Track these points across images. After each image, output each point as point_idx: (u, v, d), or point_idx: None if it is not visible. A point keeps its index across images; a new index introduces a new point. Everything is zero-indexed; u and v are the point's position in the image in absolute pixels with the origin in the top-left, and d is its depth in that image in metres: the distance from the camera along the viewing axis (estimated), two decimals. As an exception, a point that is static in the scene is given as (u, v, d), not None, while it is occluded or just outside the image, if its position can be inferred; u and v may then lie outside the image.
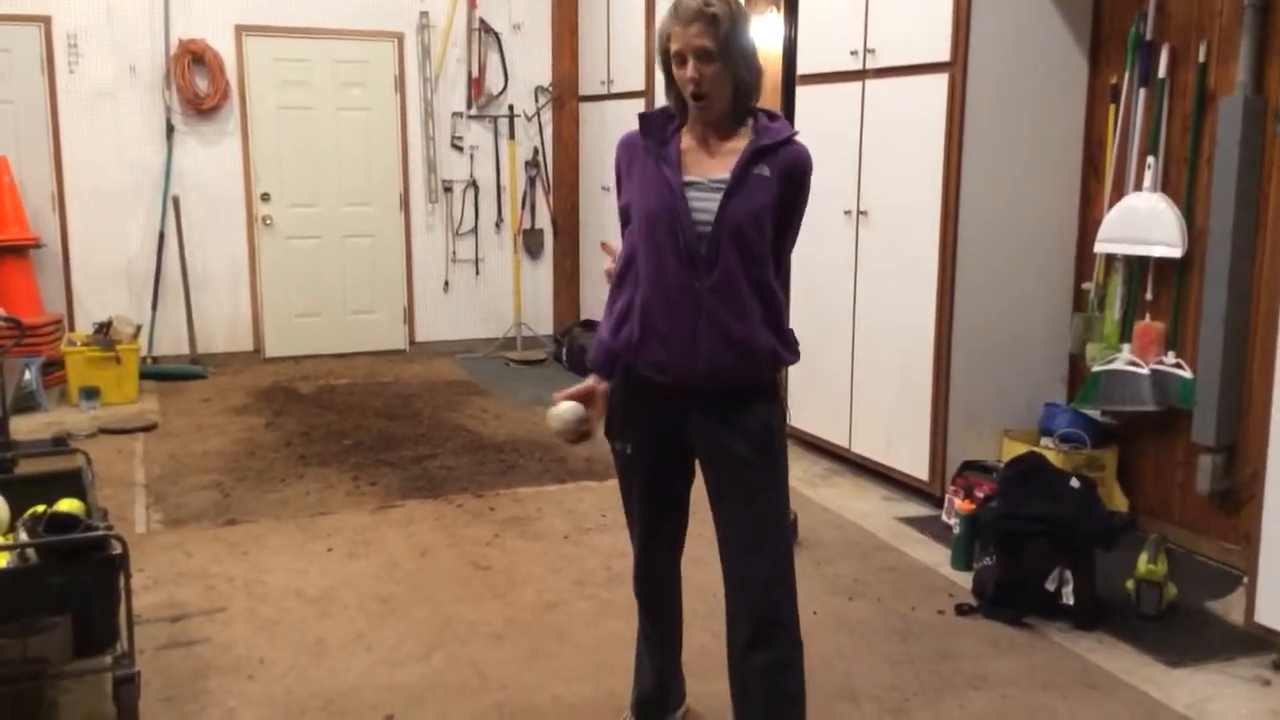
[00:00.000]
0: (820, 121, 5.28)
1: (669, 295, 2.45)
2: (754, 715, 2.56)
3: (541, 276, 8.65)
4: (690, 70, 2.37)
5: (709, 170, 2.46)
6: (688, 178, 2.46)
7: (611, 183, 7.25)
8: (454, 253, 8.36)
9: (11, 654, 2.74)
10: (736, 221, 2.41)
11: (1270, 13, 3.97)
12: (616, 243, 2.68)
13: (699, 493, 2.64)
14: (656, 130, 2.53)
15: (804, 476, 5.30)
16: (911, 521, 4.70)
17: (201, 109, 7.48)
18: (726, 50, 2.36)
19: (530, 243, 8.56)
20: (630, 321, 2.53)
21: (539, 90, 8.40)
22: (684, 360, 2.46)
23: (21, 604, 2.74)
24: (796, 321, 6.00)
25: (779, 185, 2.44)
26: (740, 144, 2.46)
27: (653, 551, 2.77)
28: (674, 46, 2.39)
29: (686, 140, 2.51)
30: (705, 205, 2.43)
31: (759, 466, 2.50)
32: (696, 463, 2.65)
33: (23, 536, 2.98)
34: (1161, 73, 4.36)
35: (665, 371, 2.50)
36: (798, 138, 2.48)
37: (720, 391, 2.50)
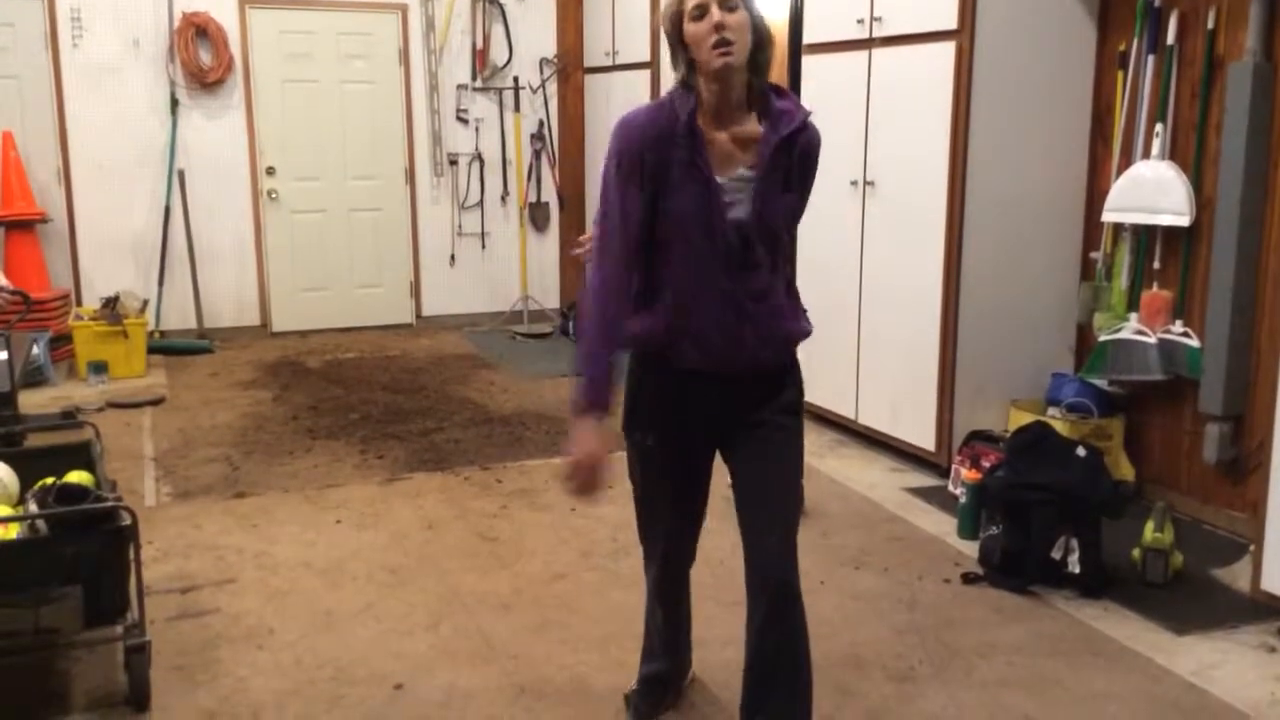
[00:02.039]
0: (827, 91, 5.25)
1: (706, 298, 2.39)
2: (765, 682, 2.57)
3: (547, 250, 8.64)
4: (716, 15, 2.24)
5: (734, 165, 2.37)
6: (721, 177, 2.36)
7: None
8: (460, 226, 8.35)
9: (23, 624, 2.77)
10: (771, 223, 2.39)
11: (1281, -22, 3.93)
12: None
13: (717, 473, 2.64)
14: (679, 120, 2.35)
15: (811, 448, 5.30)
16: (918, 492, 4.70)
17: (205, 82, 7.46)
18: (747, 4, 2.29)
19: (536, 216, 8.54)
20: (655, 316, 2.43)
21: (544, 62, 8.36)
22: (723, 360, 2.43)
23: (33, 574, 2.77)
24: (803, 292, 5.98)
25: (800, 172, 2.42)
26: (755, 129, 2.37)
27: (679, 548, 2.75)
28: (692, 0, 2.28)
29: (705, 127, 2.37)
30: (739, 206, 2.36)
31: (790, 430, 2.52)
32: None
33: (33, 508, 3.00)
34: (1170, 39, 4.33)
35: (702, 365, 2.44)
36: (810, 120, 2.42)
37: (755, 375, 2.49)
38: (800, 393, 2.57)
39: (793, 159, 2.38)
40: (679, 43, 2.35)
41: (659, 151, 2.34)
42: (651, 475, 2.65)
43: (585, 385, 2.40)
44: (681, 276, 2.40)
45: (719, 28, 2.25)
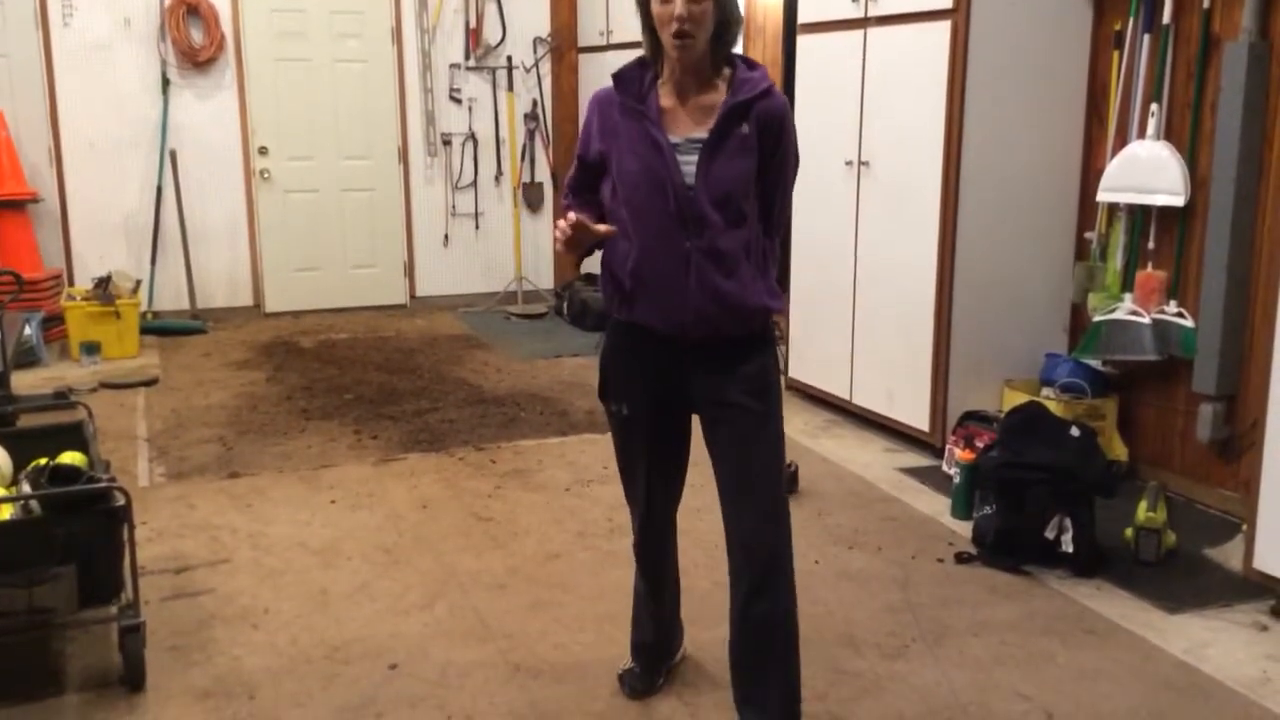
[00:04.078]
0: (822, 70, 5.23)
1: (658, 256, 2.44)
2: (751, 661, 2.61)
3: (542, 230, 8.62)
4: (679, 7, 2.30)
5: (689, 129, 2.43)
6: (672, 138, 2.42)
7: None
8: (453, 206, 8.33)
9: (17, 604, 2.76)
10: (719, 184, 2.40)
11: (1277, -44, 3.92)
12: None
13: (698, 448, 2.65)
14: (634, 86, 2.47)
15: (804, 428, 5.31)
16: (912, 472, 4.71)
17: (197, 61, 7.42)
18: None
19: (530, 196, 8.52)
20: (620, 274, 2.52)
21: (538, 41, 8.32)
22: (676, 317, 2.46)
23: (26, 555, 2.76)
24: (797, 272, 6.00)
25: (759, 141, 2.42)
26: (718, 98, 2.42)
27: (655, 513, 2.77)
28: None
29: (665, 95, 2.46)
30: (689, 167, 2.40)
31: (756, 412, 2.52)
32: (693, 419, 2.66)
33: (26, 489, 3.00)
34: (1166, 19, 4.31)
35: (658, 324, 2.50)
36: (775, 88, 2.44)
37: (717, 343, 2.50)
38: (774, 369, 2.58)
39: (750, 124, 2.40)
40: (646, 14, 2.42)
41: (611, 113, 2.49)
42: (627, 441, 2.70)
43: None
44: (638, 232, 2.46)
45: (680, 19, 2.30)
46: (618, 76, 2.50)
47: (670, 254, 2.43)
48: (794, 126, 2.50)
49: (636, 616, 2.97)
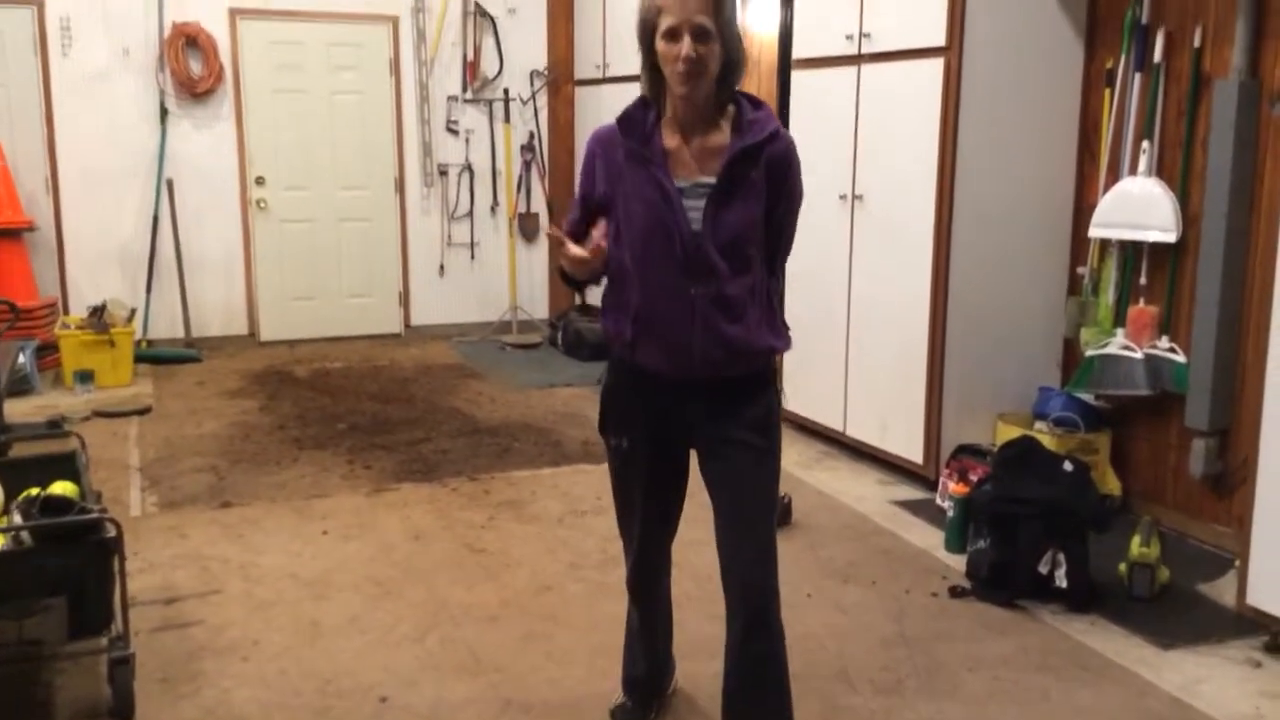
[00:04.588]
0: (816, 106, 5.27)
1: (663, 303, 2.41)
2: (747, 697, 2.59)
3: (537, 260, 8.64)
4: (686, 48, 2.26)
5: (695, 172, 2.39)
6: (678, 182, 2.38)
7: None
8: (449, 236, 8.35)
9: (7, 636, 2.75)
10: (727, 232, 2.37)
11: (1266, -4, 3.97)
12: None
13: (694, 481, 2.65)
14: (638, 128, 2.42)
15: (799, 460, 5.31)
16: (906, 504, 4.71)
17: (195, 92, 7.45)
18: (723, 30, 2.28)
19: (526, 226, 8.55)
20: (623, 318, 2.49)
21: (534, 74, 8.37)
22: (681, 361, 2.44)
23: (16, 586, 2.75)
24: (792, 305, 5.98)
25: (767, 184, 2.39)
26: (723, 138, 2.38)
27: (650, 548, 2.75)
28: (667, 22, 2.27)
29: (668, 136, 2.41)
30: (695, 214, 2.36)
31: (758, 449, 2.50)
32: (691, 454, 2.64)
33: (17, 519, 2.98)
34: (1157, 57, 4.36)
35: (663, 369, 2.48)
36: (782, 129, 2.42)
37: (721, 382, 2.48)
38: (773, 409, 2.56)
39: (759, 169, 2.37)
40: (648, 50, 2.37)
41: (618, 158, 2.43)
42: (625, 476, 2.67)
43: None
44: (643, 278, 2.42)
45: (688, 59, 2.27)
46: (622, 119, 2.45)
47: (676, 301, 2.40)
48: (799, 163, 2.47)
49: (629, 650, 2.95)
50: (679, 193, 2.37)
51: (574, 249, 2.36)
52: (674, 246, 2.37)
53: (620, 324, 2.49)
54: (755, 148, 2.36)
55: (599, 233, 2.41)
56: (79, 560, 2.81)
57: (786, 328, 2.56)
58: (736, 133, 2.37)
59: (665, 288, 2.40)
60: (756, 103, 2.44)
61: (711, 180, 2.36)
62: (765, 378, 2.54)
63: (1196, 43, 4.20)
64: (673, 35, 2.27)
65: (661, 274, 2.40)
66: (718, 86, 2.35)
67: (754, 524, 2.53)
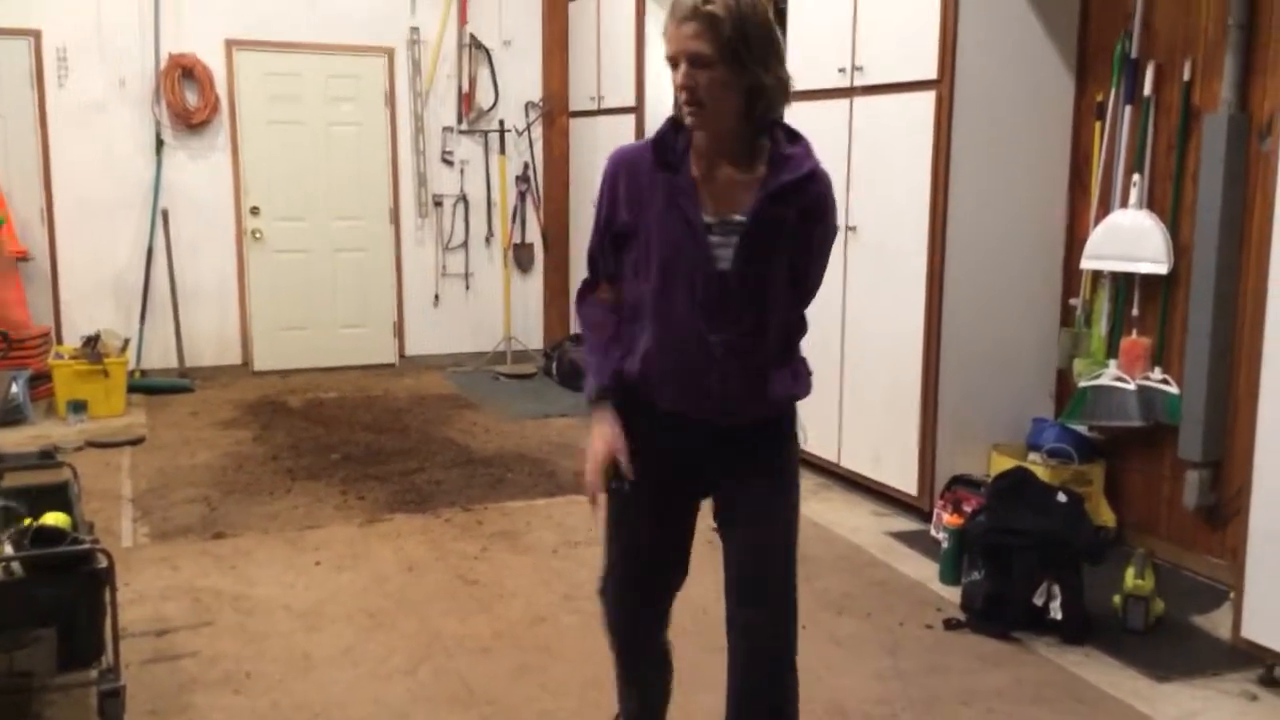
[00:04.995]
0: (808, 138, 5.29)
1: (680, 346, 2.25)
2: None
3: (531, 291, 8.66)
4: (681, 76, 2.10)
5: (725, 207, 2.20)
6: (705, 217, 2.19)
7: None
8: (444, 267, 8.36)
9: (-4, 668, 2.73)
10: (755, 277, 2.20)
11: (1254, 31, 4.01)
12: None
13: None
14: (669, 154, 2.23)
15: (793, 491, 5.30)
16: (900, 536, 4.70)
17: (191, 123, 7.48)
18: (734, 56, 2.07)
19: (520, 257, 8.57)
20: (634, 355, 2.32)
21: (529, 105, 8.42)
22: (699, 404, 2.29)
23: (7, 618, 2.73)
24: (785, 336, 5.96)
25: (800, 226, 2.21)
26: (755, 174, 2.18)
27: (649, 601, 2.54)
28: (667, 50, 2.13)
29: (695, 164, 2.22)
30: (722, 251, 2.18)
31: (774, 499, 2.36)
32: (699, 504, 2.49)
33: (8, 550, 2.97)
34: (1147, 90, 4.40)
35: (679, 409, 2.32)
36: (819, 168, 2.23)
37: (737, 429, 2.33)
38: (793, 457, 2.43)
39: (792, 209, 2.19)
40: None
41: (643, 182, 2.24)
42: (625, 520, 2.46)
43: (593, 370, 2.35)
44: (660, 316, 2.26)
45: (683, 88, 2.11)
46: (657, 141, 2.25)
47: (693, 345, 2.24)
48: (835, 204, 2.30)
49: (620, 691, 2.74)
50: (705, 227, 2.20)
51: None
52: (695, 285, 2.20)
53: (635, 358, 2.32)
54: (789, 187, 2.18)
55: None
56: (70, 591, 2.79)
57: (809, 372, 2.42)
58: (771, 169, 2.19)
59: (683, 328, 2.24)
60: (795, 136, 2.25)
61: (741, 218, 2.19)
62: (785, 425, 2.39)
63: (1186, 76, 4.25)
64: (672, 63, 2.13)
65: (680, 314, 2.23)
66: (746, 116, 2.16)
67: (768, 585, 2.35)
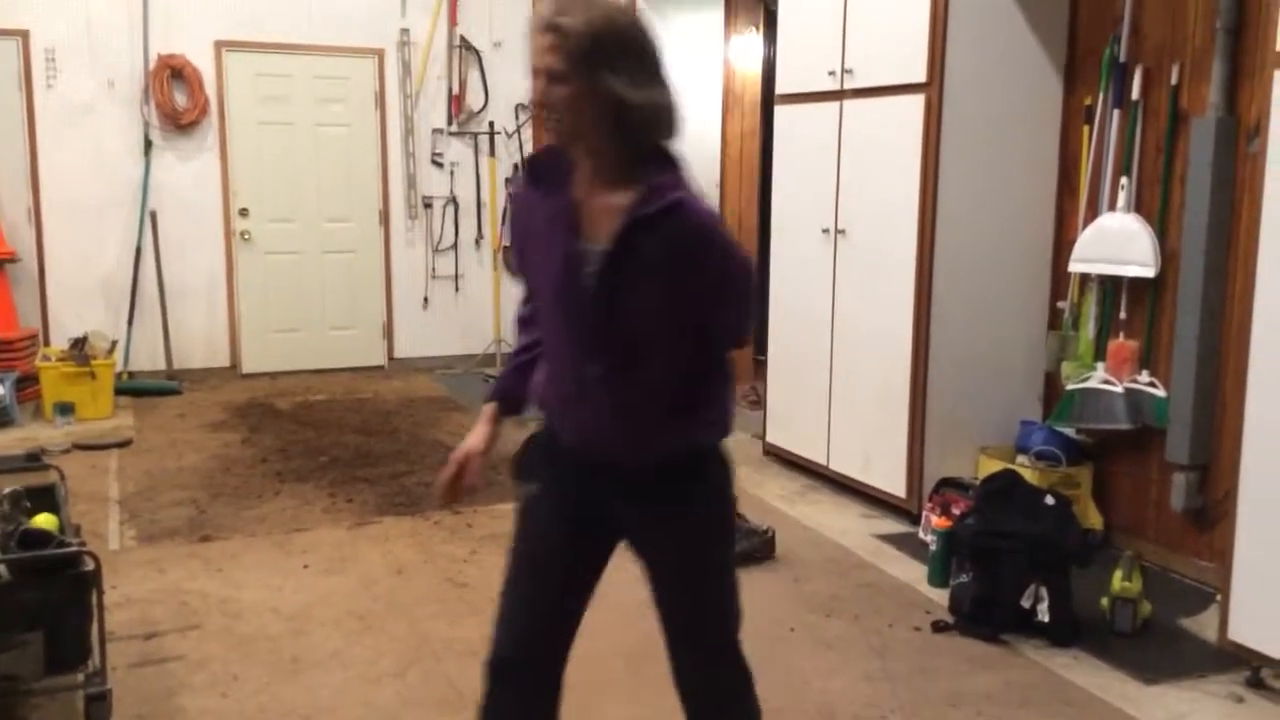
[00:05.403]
0: (799, 141, 5.31)
1: (562, 374, 2.11)
2: None
3: (521, 293, 8.63)
4: (540, 86, 1.96)
5: (599, 232, 1.99)
6: (583, 244, 2.00)
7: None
8: (434, 269, 8.35)
9: (-18, 671, 2.72)
10: (620, 311, 1.99)
11: (1242, 35, 4.02)
12: None
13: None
14: (548, 173, 2.07)
15: (782, 494, 5.31)
16: (889, 538, 4.71)
17: (180, 124, 7.46)
18: (590, 71, 1.91)
19: (510, 259, 8.56)
20: (538, 377, 2.21)
21: (519, 107, 8.41)
22: (581, 441, 2.13)
23: (-7, 621, 2.72)
24: (775, 338, 6.05)
25: (670, 263, 1.96)
26: (625, 200, 1.97)
27: (531, 641, 2.22)
28: (529, 60, 1.98)
29: (579, 184, 2.04)
30: (590, 283, 1.99)
31: (689, 556, 2.18)
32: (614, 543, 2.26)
33: (-6, 553, 2.95)
34: (1135, 94, 4.41)
35: (572, 444, 2.15)
36: (690, 200, 1.98)
37: (642, 473, 2.12)
38: (715, 501, 2.19)
39: (658, 243, 1.94)
40: None
41: (531, 202, 2.12)
42: (525, 537, 2.23)
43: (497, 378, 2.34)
44: (545, 342, 2.17)
45: (539, 103, 1.98)
46: (531, 161, 2.13)
47: (569, 375, 2.09)
48: (723, 240, 2.02)
49: None
50: (580, 254, 2.00)
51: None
52: (570, 312, 2.05)
53: (536, 383, 2.22)
54: (650, 218, 1.94)
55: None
56: (56, 594, 2.78)
57: (724, 418, 2.16)
58: (640, 197, 1.96)
59: (563, 359, 2.11)
60: (669, 163, 2.02)
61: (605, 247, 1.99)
62: (699, 475, 2.14)
63: (1174, 80, 4.26)
64: (533, 76, 1.98)
65: (556, 344, 2.12)
66: (621, 139, 1.97)
67: (693, 639, 2.22)
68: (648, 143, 2.00)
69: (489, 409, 2.31)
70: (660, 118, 1.98)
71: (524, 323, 2.29)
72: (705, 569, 2.21)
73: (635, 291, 1.98)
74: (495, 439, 2.29)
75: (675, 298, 1.99)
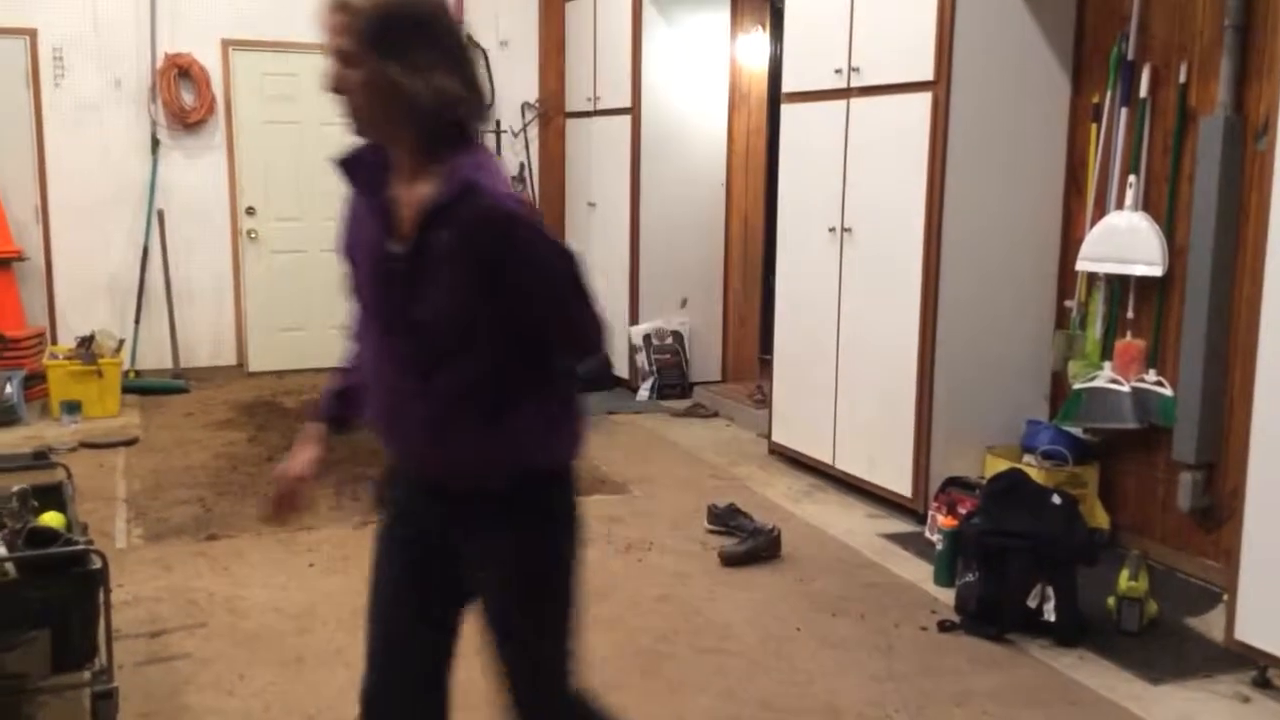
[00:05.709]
0: (805, 139, 5.31)
1: (379, 389, 1.98)
2: None
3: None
4: (329, 76, 1.86)
5: (406, 230, 1.86)
6: (392, 243, 1.88)
7: (598, 198, 7.27)
8: (439, 268, 8.35)
9: (-11, 669, 2.72)
10: (422, 312, 1.85)
11: (1250, 33, 4.01)
12: None
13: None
14: (363, 169, 1.95)
15: (787, 493, 5.31)
16: (895, 538, 4.70)
17: (187, 123, 7.47)
18: (381, 55, 1.80)
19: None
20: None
21: (525, 106, 8.41)
22: (401, 458, 2.03)
23: (0, 619, 2.72)
24: (781, 337, 6.04)
25: (465, 254, 1.80)
26: (427, 191, 1.84)
27: (392, 673, 2.10)
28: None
29: (395, 181, 1.91)
30: (395, 284, 1.88)
31: (510, 595, 2.00)
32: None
33: (2, 551, 2.96)
34: (1143, 92, 4.40)
35: (396, 462, 2.05)
36: (484, 184, 1.81)
37: (466, 497, 1.96)
38: (536, 546, 1.99)
39: (451, 234, 1.80)
40: None
41: (355, 206, 2.01)
42: (375, 565, 2.13)
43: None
44: (364, 353, 2.05)
45: (333, 88, 1.88)
46: (343, 161, 1.99)
47: (387, 389, 1.96)
48: (526, 227, 1.82)
49: None
50: (389, 256, 1.88)
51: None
52: (381, 322, 1.93)
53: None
54: (443, 209, 1.80)
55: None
56: (64, 592, 2.78)
57: (559, 438, 1.98)
58: (436, 187, 1.83)
59: (379, 370, 1.97)
60: (470, 148, 1.88)
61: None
62: (522, 504, 1.95)
63: (1182, 79, 4.25)
64: (327, 58, 1.87)
65: (376, 353, 1.98)
66: (420, 125, 1.84)
67: (515, 692, 2.05)
68: (449, 128, 1.86)
69: (314, 429, 2.17)
70: (460, 101, 1.84)
71: (354, 336, 2.13)
72: (526, 612, 2.02)
73: (436, 289, 1.83)
74: (321, 461, 2.16)
75: (478, 294, 1.81)
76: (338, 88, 1.86)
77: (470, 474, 1.94)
